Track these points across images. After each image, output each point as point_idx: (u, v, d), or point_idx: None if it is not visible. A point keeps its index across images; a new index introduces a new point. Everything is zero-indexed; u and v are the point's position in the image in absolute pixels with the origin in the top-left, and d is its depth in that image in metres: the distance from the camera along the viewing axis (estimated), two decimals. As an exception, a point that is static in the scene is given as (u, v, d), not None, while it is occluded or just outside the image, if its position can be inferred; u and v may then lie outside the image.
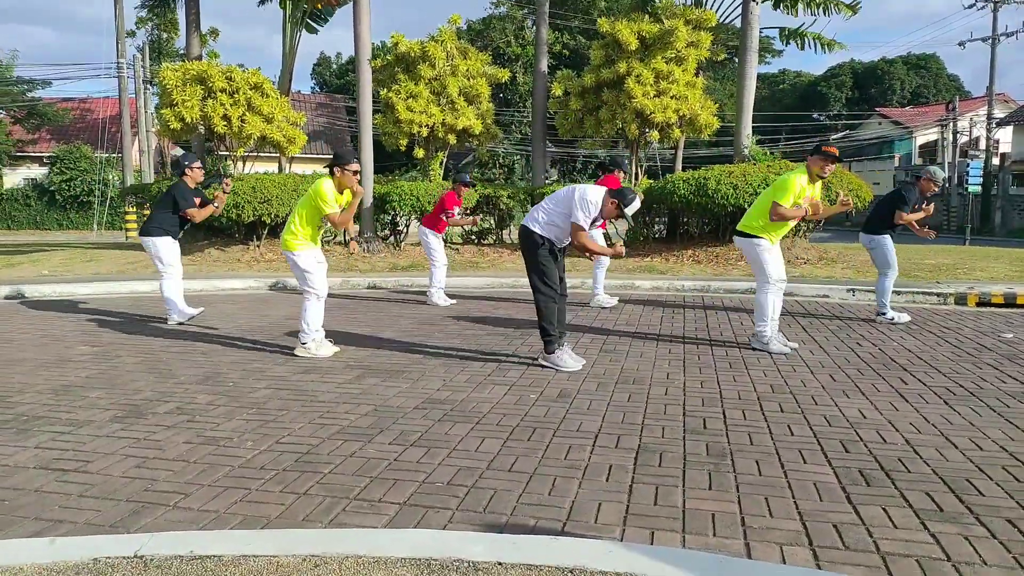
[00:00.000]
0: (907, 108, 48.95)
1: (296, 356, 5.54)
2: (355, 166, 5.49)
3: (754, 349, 5.83)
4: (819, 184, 5.79)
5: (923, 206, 7.00)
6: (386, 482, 3.10)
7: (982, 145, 37.07)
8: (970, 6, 35.08)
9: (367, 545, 2.43)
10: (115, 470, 3.24)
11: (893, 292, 8.58)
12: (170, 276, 7.00)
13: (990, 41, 34.62)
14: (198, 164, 7.07)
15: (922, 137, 45.08)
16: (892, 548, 2.53)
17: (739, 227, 5.90)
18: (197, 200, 7.00)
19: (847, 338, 6.32)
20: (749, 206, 11.11)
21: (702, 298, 8.96)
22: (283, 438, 3.66)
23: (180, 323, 7.02)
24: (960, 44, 36.81)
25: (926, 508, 2.85)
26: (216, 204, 7.04)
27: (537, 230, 5.16)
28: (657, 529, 2.68)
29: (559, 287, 5.28)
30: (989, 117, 35.74)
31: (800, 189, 5.61)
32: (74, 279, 10.12)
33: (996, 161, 36.65)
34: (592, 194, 5.03)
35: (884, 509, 2.84)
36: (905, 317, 7.13)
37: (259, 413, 4.09)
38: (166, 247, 6.98)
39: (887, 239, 7.09)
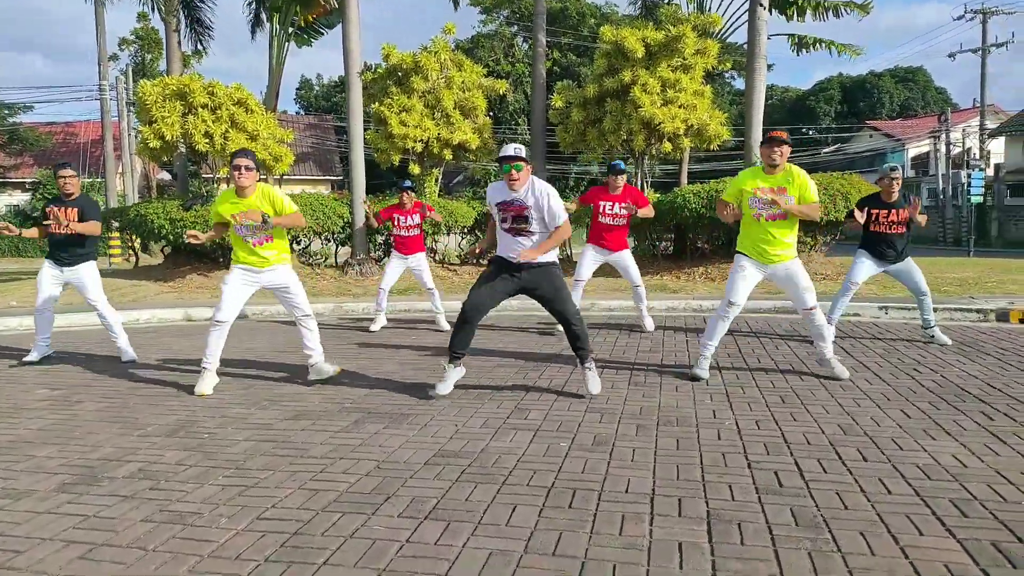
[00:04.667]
0: (897, 120, 48.91)
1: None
2: None
3: (802, 378, 5.19)
4: (788, 176, 5.00)
5: (894, 213, 6.30)
6: (398, 576, 2.41)
7: (974, 156, 36.81)
8: (959, 18, 34.99)
9: None
10: (51, 565, 2.53)
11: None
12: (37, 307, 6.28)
13: (980, 52, 34.49)
14: (61, 172, 6.16)
15: (914, 149, 44.96)
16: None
17: None
18: (60, 210, 6.06)
19: (900, 363, 5.68)
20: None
21: (724, 319, 8.30)
22: (266, 511, 2.95)
23: (26, 361, 6.21)
24: (950, 56, 36.49)
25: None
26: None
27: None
28: (769, 648, 2.00)
29: (473, 303, 4.71)
30: (982, 128, 35.51)
31: (742, 180, 5.15)
32: (43, 310, 9.36)
33: (990, 172, 36.41)
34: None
35: (1057, 607, 2.17)
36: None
37: (238, 475, 3.38)
38: (40, 272, 6.30)
39: (859, 254, 6.54)
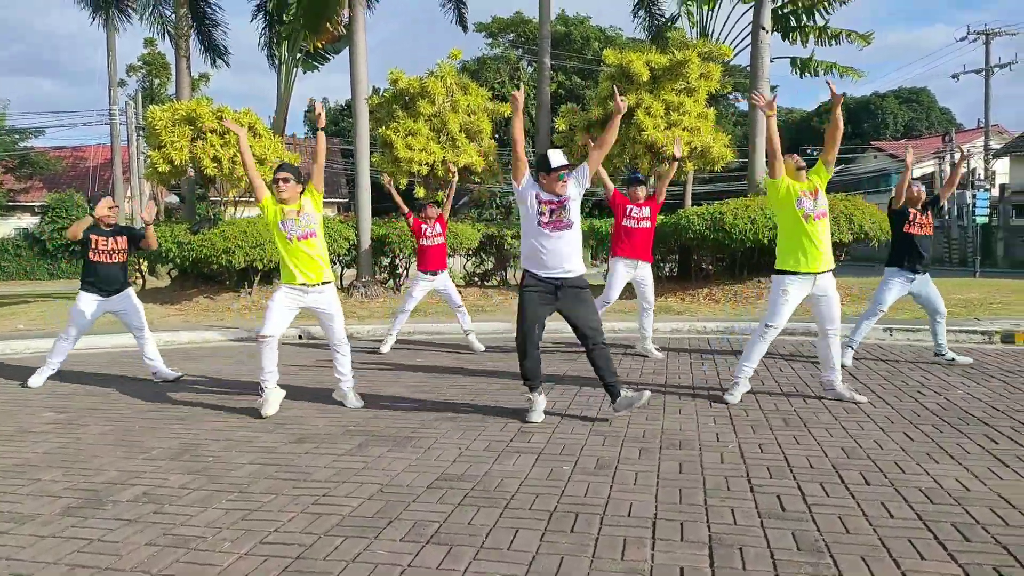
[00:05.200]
0: (902, 140, 49.04)
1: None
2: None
3: (805, 401, 5.18)
4: (814, 178, 5.13)
5: (923, 215, 6.43)
6: (400, 600, 2.42)
7: (979, 176, 36.82)
8: (962, 39, 35.21)
9: None
10: (55, 589, 2.55)
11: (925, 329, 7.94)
12: (65, 331, 6.36)
13: (983, 73, 34.66)
14: (103, 203, 6.30)
15: (918, 170, 45.01)
16: None
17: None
18: (110, 239, 6.32)
19: (904, 385, 5.67)
20: (769, 242, 10.60)
21: (728, 341, 8.32)
22: (269, 535, 2.97)
23: (28, 385, 6.24)
24: (954, 76, 36.68)
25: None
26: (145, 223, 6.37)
27: (524, 265, 4.75)
28: (769, 674, 2.00)
29: (528, 338, 4.67)
30: (986, 148, 35.56)
31: (784, 184, 5.08)
32: (50, 334, 9.41)
33: (995, 192, 36.39)
34: None
35: (1058, 633, 2.16)
36: (967, 359, 6.54)
37: (242, 499, 3.40)
38: (79, 302, 6.30)
39: (890, 273, 6.52)
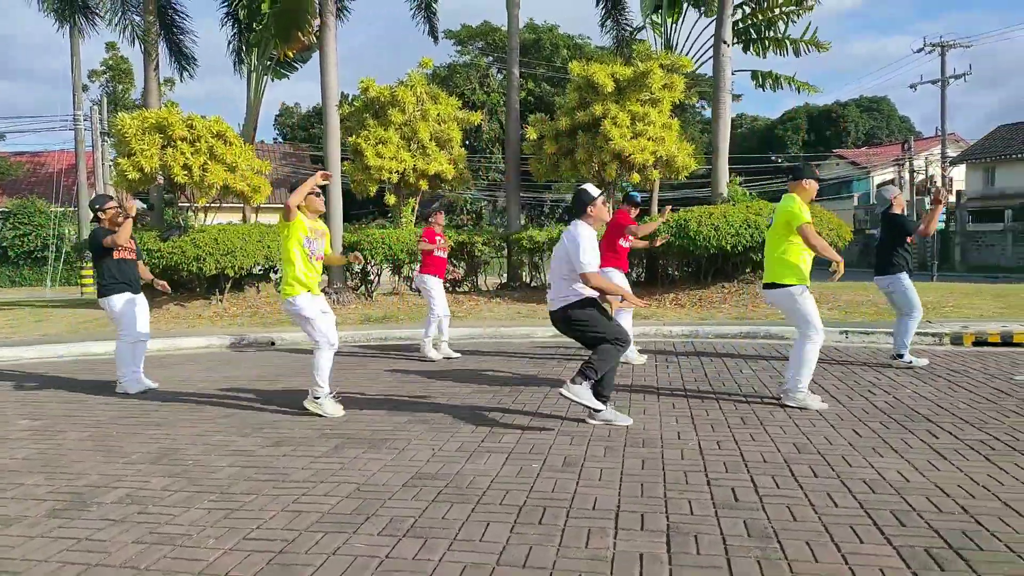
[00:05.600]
0: (863, 148, 50.26)
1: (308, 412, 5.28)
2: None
3: (763, 400, 5.44)
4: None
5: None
6: (379, 588, 2.59)
7: (937, 183, 37.90)
8: (919, 50, 36.29)
9: None
10: (47, 585, 2.66)
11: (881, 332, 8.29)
12: (121, 337, 6.35)
13: (940, 83, 35.75)
14: (110, 204, 6.37)
15: (879, 177, 46.22)
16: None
17: (766, 280, 5.49)
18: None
19: (856, 385, 5.96)
20: (732, 248, 10.93)
21: (692, 344, 8.59)
22: (252, 532, 3.11)
23: (128, 394, 6.23)
24: (912, 86, 37.94)
25: (1023, 600, 2.42)
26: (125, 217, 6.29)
27: (573, 299, 4.78)
28: (717, 644, 2.20)
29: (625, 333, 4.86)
30: (943, 156, 36.69)
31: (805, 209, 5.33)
32: (19, 342, 9.39)
33: (952, 199, 37.52)
34: (575, 231, 4.76)
35: (975, 604, 2.40)
36: (924, 361, 6.83)
37: (223, 499, 3.53)
38: (119, 303, 6.33)
39: (900, 278, 6.81)
